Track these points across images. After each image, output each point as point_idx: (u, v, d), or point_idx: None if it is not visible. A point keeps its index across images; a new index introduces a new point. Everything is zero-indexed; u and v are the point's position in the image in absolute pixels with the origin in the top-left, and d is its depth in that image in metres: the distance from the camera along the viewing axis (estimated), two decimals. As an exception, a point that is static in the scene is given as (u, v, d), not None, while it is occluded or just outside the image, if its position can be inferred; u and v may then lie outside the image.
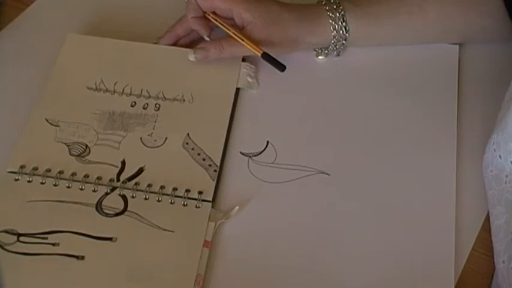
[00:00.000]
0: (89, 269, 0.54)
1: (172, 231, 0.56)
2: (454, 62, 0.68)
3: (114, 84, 0.65)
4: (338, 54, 0.68)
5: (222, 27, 0.65)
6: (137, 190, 0.58)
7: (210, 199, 0.58)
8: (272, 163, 0.61)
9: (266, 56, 0.63)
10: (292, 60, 0.65)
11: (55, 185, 0.58)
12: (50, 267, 0.54)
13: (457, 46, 0.69)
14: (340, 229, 0.57)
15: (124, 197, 0.58)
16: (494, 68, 0.67)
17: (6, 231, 0.56)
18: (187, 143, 0.61)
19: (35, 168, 0.59)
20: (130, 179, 0.59)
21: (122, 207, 0.57)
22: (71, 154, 0.60)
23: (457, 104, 0.65)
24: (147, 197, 0.58)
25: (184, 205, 0.58)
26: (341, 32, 0.64)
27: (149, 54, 0.67)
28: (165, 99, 0.64)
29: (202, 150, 0.61)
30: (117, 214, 0.57)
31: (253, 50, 0.63)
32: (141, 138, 0.62)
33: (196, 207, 0.57)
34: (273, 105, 0.65)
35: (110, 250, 0.55)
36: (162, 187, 0.58)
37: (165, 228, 0.56)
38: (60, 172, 0.59)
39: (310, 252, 0.56)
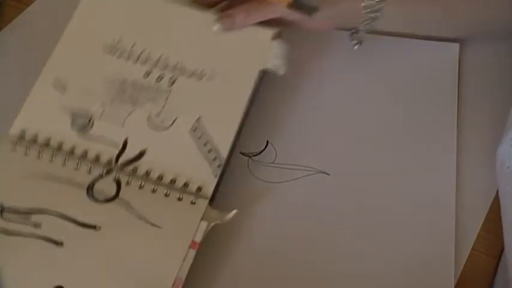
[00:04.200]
0: (66, 257, 0.52)
1: (160, 227, 0.53)
2: (454, 62, 0.67)
3: (132, 46, 0.61)
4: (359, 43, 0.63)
5: None
6: (133, 176, 0.55)
7: (208, 196, 0.55)
8: (272, 163, 0.61)
9: (295, 3, 0.58)
10: (292, 61, 0.65)
11: (50, 161, 0.56)
12: (26, 250, 0.52)
13: (457, 45, 0.68)
14: (340, 229, 0.57)
15: (118, 182, 0.55)
16: (495, 68, 0.67)
17: None
18: (196, 129, 0.57)
19: (35, 137, 0.57)
20: (129, 162, 0.56)
21: (113, 193, 0.55)
22: (73, 125, 0.58)
23: (457, 104, 0.64)
24: (142, 185, 0.55)
25: (179, 199, 0.55)
26: (374, 1, 0.59)
27: (174, 17, 0.62)
28: (183, 72, 0.59)
29: (210, 139, 0.57)
30: (107, 200, 0.54)
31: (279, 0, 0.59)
32: (148, 116, 0.58)
33: (191, 203, 0.54)
34: (273, 104, 0.65)
35: (91, 240, 0.53)
36: (160, 177, 0.56)
37: (152, 223, 0.53)
38: (59, 144, 0.57)
39: (310, 252, 0.56)
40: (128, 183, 0.55)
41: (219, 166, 0.56)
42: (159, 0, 0.62)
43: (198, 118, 0.58)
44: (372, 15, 0.59)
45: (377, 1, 0.58)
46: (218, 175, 0.56)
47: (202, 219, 0.54)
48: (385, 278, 0.55)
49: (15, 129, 0.58)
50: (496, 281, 0.56)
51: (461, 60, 0.68)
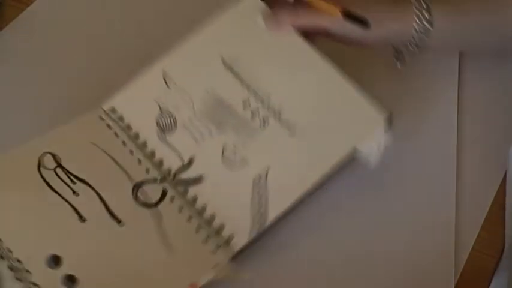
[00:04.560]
0: (79, 234, 0.53)
1: (173, 254, 0.52)
2: (454, 62, 0.67)
3: (246, 71, 0.58)
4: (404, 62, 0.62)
5: None
6: (181, 196, 0.54)
7: (233, 252, 0.52)
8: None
9: (347, 14, 0.56)
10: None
11: (123, 144, 0.57)
12: (54, 210, 0.54)
13: (457, 48, 0.68)
14: (340, 228, 0.57)
15: (164, 193, 0.55)
16: (495, 68, 0.67)
17: (53, 155, 0.56)
18: (259, 180, 0.54)
19: (122, 117, 0.59)
20: (185, 182, 0.55)
21: (154, 201, 0.54)
22: (156, 122, 0.58)
23: (457, 104, 0.64)
24: (182, 209, 0.54)
25: (205, 240, 0.52)
26: (425, 24, 0.58)
27: (301, 61, 0.58)
28: (279, 118, 0.56)
29: (266, 197, 0.53)
30: (144, 204, 0.54)
31: (331, 11, 0.56)
32: (225, 145, 0.56)
33: (213, 251, 0.52)
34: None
35: (109, 231, 0.53)
36: (203, 208, 0.54)
37: (169, 248, 0.52)
38: (137, 134, 0.58)
39: (310, 253, 0.56)
40: (172, 199, 0.55)
41: (259, 227, 0.53)
42: (300, 41, 0.58)
43: (267, 170, 0.54)
44: (421, 34, 0.59)
45: (427, 20, 0.58)
46: (254, 235, 0.53)
47: (214, 267, 0.51)
48: (386, 278, 0.55)
49: (107, 105, 0.59)
50: (495, 280, 0.56)
51: (462, 61, 0.68)
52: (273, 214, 0.53)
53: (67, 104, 0.65)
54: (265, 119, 0.56)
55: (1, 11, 0.73)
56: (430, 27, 0.58)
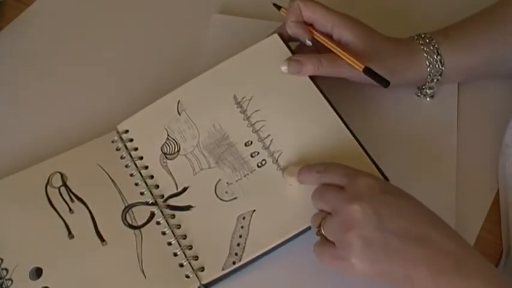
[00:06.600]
0: (65, 250, 0.55)
1: (145, 278, 0.54)
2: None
3: (257, 112, 0.60)
4: (432, 96, 0.64)
5: (319, 39, 0.61)
6: (166, 221, 0.56)
7: (203, 282, 0.53)
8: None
9: (368, 71, 0.58)
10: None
11: (126, 166, 0.59)
12: (50, 226, 0.56)
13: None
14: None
15: (151, 216, 0.57)
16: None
17: (61, 174, 0.59)
18: (243, 218, 0.55)
19: (130, 140, 0.60)
20: (174, 207, 0.57)
21: (141, 223, 0.56)
22: (161, 148, 0.59)
23: (457, 105, 0.64)
24: (165, 233, 0.56)
25: (180, 266, 0.54)
26: (436, 66, 0.61)
27: (311, 108, 0.59)
28: (276, 161, 0.57)
29: (247, 236, 0.54)
30: (130, 226, 0.56)
31: (354, 65, 0.58)
32: (218, 180, 0.57)
33: (186, 276, 0.54)
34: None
35: (92, 250, 0.55)
36: (184, 236, 0.55)
37: (143, 270, 0.54)
38: (140, 157, 0.59)
39: (310, 251, 0.56)
40: (158, 223, 0.56)
41: (233, 263, 0.54)
42: (315, 92, 0.60)
43: (253, 211, 0.56)
44: (434, 76, 0.62)
45: (438, 62, 0.61)
46: (228, 270, 0.54)
47: None
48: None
49: (122, 127, 0.61)
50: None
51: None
52: (248, 256, 0.54)
53: (66, 103, 0.66)
54: (263, 162, 0.57)
55: (1, 11, 0.73)
56: (441, 68, 0.61)
